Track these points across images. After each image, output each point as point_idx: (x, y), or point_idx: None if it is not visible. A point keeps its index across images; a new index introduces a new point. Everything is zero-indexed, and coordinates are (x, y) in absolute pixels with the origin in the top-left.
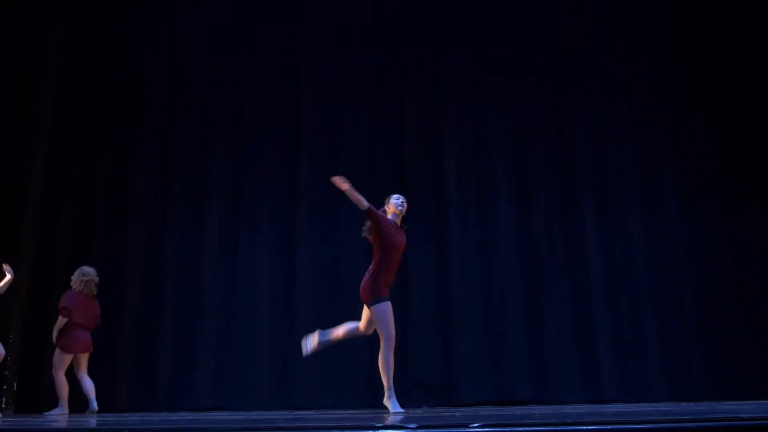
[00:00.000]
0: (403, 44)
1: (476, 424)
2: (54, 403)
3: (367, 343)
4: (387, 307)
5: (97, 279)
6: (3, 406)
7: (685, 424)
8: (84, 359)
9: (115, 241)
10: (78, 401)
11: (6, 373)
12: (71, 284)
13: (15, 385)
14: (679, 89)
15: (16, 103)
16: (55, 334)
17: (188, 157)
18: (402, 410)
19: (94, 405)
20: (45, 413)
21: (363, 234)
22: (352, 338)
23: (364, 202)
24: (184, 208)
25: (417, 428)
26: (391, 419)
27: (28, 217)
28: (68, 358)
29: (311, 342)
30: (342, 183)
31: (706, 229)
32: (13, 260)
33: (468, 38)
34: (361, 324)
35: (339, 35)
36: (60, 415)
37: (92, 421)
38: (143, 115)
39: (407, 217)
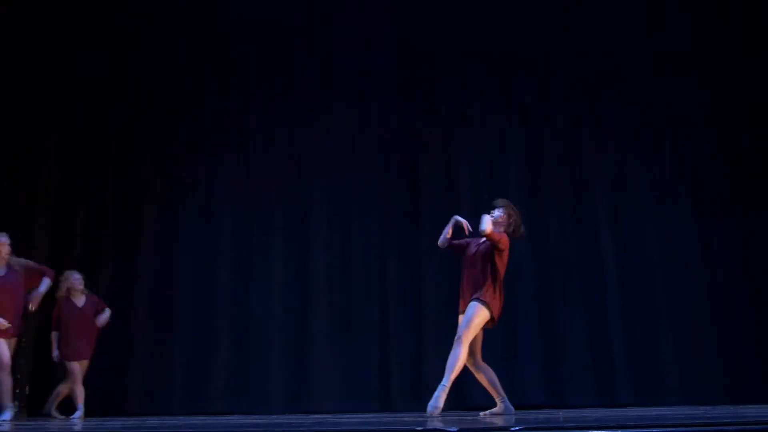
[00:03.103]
0: (413, 54)
1: (517, 427)
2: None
3: (379, 347)
4: None
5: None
6: (16, 410)
7: (722, 428)
8: None
9: (127, 246)
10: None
11: (18, 377)
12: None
13: (27, 389)
14: (691, 94)
15: (21, 108)
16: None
17: (200, 159)
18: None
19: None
20: (71, 417)
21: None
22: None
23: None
24: (197, 211)
25: None
26: (434, 423)
27: (38, 222)
28: None
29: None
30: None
31: (719, 233)
32: None
33: (476, 45)
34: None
35: (344, 41)
36: (80, 418)
37: (112, 424)
38: (153, 121)
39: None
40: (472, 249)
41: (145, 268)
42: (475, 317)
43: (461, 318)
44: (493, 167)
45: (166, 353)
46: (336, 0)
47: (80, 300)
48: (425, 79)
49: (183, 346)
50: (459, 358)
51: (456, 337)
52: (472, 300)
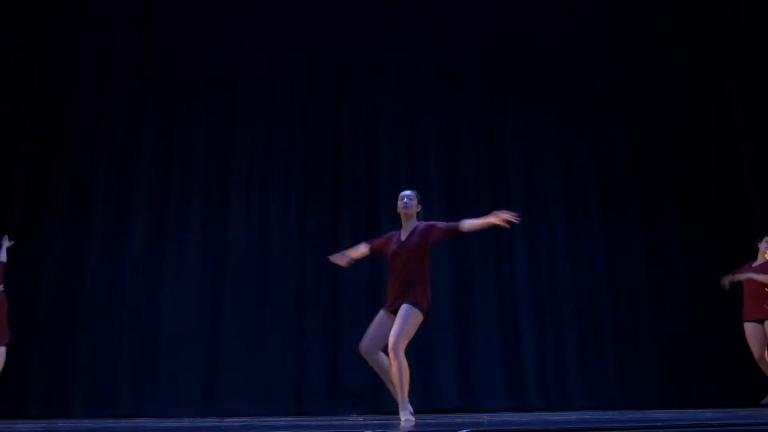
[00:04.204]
0: (340, 49)
1: (465, 431)
2: None
3: (296, 348)
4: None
5: None
6: None
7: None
8: None
9: (32, 239)
10: None
11: None
12: None
13: None
14: (604, 111)
15: None
16: None
17: (113, 153)
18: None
19: None
20: None
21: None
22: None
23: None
24: (107, 205)
25: None
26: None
27: None
28: None
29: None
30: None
31: (624, 243)
32: None
33: (400, 46)
34: None
35: (276, 35)
36: None
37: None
38: (66, 111)
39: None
40: (394, 246)
41: (50, 264)
42: (410, 323)
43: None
44: (413, 177)
45: (71, 353)
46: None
47: None
48: (341, 80)
49: (89, 346)
50: (401, 369)
51: (390, 349)
52: (405, 303)
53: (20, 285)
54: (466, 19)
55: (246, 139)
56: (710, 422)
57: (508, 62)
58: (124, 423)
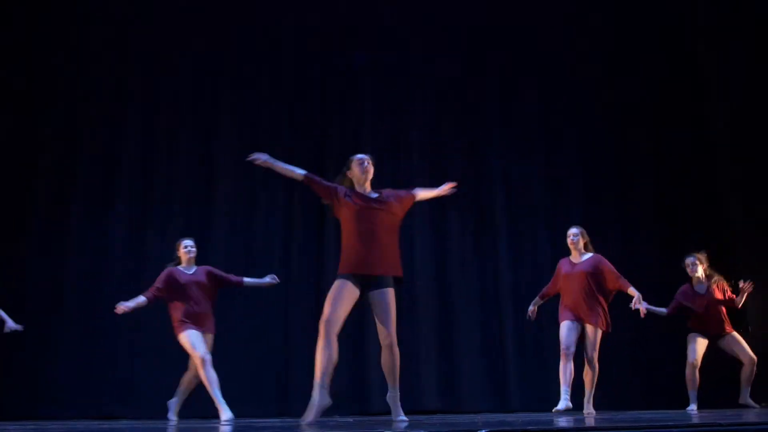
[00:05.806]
0: (326, 46)
1: (484, 431)
2: None
3: (280, 347)
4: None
5: None
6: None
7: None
8: None
9: (14, 240)
10: None
11: None
12: None
13: None
14: (591, 114)
15: None
16: None
17: (94, 151)
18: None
19: None
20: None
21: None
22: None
23: (297, 172)
24: (89, 206)
25: None
26: (396, 426)
27: None
28: None
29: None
30: (261, 159)
31: (604, 243)
32: None
33: (383, 47)
34: None
35: (262, 29)
36: None
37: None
38: (47, 105)
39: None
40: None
41: (32, 265)
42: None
43: None
44: (396, 178)
45: (51, 352)
46: None
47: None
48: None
49: (71, 348)
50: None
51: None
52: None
53: (4, 286)
54: (453, 21)
55: (231, 137)
56: (719, 422)
57: (494, 65)
58: (124, 424)
